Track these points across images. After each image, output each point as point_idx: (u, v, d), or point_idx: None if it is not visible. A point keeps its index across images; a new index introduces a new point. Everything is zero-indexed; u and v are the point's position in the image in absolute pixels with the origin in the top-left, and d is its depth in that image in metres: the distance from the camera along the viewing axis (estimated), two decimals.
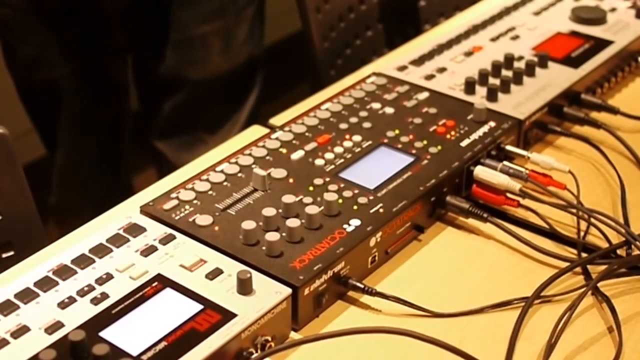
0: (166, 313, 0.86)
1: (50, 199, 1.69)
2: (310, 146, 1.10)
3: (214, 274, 0.90)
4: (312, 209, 0.97)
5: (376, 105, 1.19)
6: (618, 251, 1.01)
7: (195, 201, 1.01)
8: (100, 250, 0.93)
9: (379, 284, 0.98)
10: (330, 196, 0.99)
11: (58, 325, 0.84)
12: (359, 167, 1.07)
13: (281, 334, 0.90)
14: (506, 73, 1.25)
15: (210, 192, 1.02)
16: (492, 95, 1.20)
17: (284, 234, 0.95)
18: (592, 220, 1.04)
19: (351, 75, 1.36)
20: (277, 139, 1.12)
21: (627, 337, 0.91)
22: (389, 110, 1.18)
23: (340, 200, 1.01)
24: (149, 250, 0.93)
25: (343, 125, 1.14)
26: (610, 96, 1.33)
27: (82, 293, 0.88)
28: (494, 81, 1.23)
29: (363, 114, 1.17)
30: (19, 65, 1.53)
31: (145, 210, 1.00)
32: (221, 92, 1.68)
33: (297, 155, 1.08)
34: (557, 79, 1.26)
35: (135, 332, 0.84)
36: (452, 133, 1.14)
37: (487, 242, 1.05)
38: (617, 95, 1.35)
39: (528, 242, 1.02)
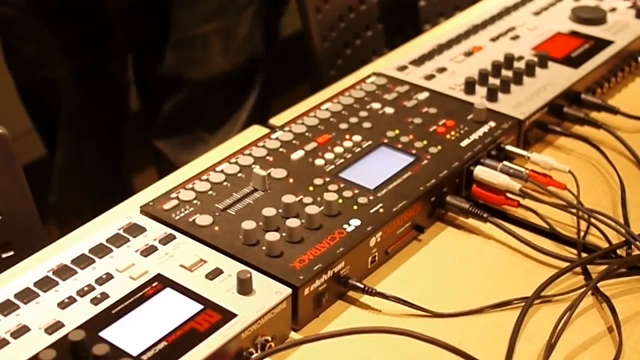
0: (166, 313, 0.86)
1: (50, 199, 1.69)
2: (310, 146, 1.10)
3: (214, 274, 0.90)
4: (312, 209, 0.97)
5: (376, 105, 1.19)
6: (618, 251, 1.01)
7: (195, 201, 1.01)
8: (100, 250, 0.93)
9: (379, 284, 0.98)
10: (330, 196, 0.99)
11: (58, 325, 0.84)
12: (359, 167, 1.07)
13: (281, 334, 0.90)
14: (506, 73, 1.25)
15: (210, 192, 1.02)
16: (492, 95, 1.20)
17: (284, 234, 0.95)
18: (592, 220, 1.04)
19: (351, 75, 1.36)
20: (277, 139, 1.12)
21: (627, 337, 0.91)
22: (389, 110, 1.18)
23: (340, 200, 1.01)
24: (149, 250, 0.93)
25: (343, 125, 1.14)
26: (610, 96, 1.33)
27: (82, 293, 0.88)
28: (494, 81, 1.23)
29: (363, 114, 1.17)
30: (19, 65, 1.53)
31: (145, 210, 1.00)
32: (221, 92, 1.68)
33: (297, 155, 1.08)
34: (557, 79, 1.26)
35: (135, 332, 0.84)
36: (452, 133, 1.14)
37: (487, 242, 1.05)
38: (617, 95, 1.35)
39: (528, 242, 1.02)
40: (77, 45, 1.25)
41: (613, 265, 0.98)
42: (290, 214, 0.98)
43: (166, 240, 0.95)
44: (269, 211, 0.97)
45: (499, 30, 1.39)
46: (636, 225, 1.06)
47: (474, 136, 1.13)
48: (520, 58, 1.29)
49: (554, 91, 1.23)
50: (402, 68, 1.28)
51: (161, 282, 0.89)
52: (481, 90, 1.22)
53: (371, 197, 1.02)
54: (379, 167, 1.07)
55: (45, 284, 0.88)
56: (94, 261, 0.92)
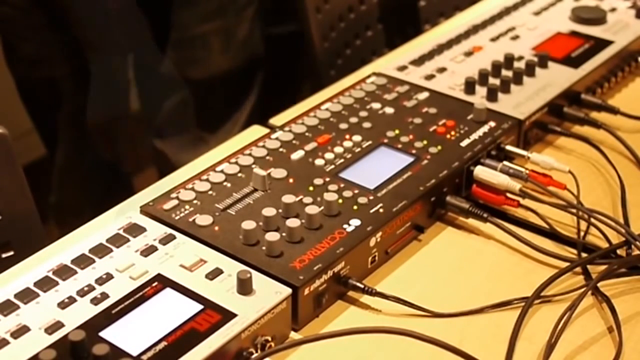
0: (166, 313, 0.86)
1: (50, 199, 1.69)
2: (310, 146, 1.10)
3: (214, 274, 0.90)
4: (312, 209, 0.97)
5: (376, 105, 1.19)
6: (618, 251, 1.01)
7: (195, 201, 1.01)
8: (100, 250, 0.93)
9: (379, 284, 0.98)
10: (330, 196, 0.99)
11: (58, 325, 0.84)
12: (359, 167, 1.07)
13: (281, 334, 0.90)
14: (506, 73, 1.25)
15: (210, 192, 1.02)
16: (492, 95, 1.20)
17: (284, 234, 0.95)
18: (592, 220, 1.04)
19: (351, 75, 1.36)
20: (277, 139, 1.12)
21: (627, 337, 0.91)
22: (389, 110, 1.18)
23: (340, 200, 1.01)
24: (149, 250, 0.93)
25: (343, 125, 1.14)
26: (610, 96, 1.33)
27: (82, 293, 0.88)
28: (494, 81, 1.23)
29: (363, 114, 1.17)
30: (19, 64, 1.53)
31: (145, 210, 1.00)
32: (221, 92, 1.68)
33: (297, 155, 1.08)
34: (557, 79, 1.26)
35: (135, 332, 0.84)
36: (452, 133, 1.14)
37: (487, 242, 1.05)
38: (617, 95, 1.35)
39: (528, 242, 1.02)
40: (78, 44, 1.25)
41: (613, 265, 0.98)
42: (290, 214, 0.98)
43: (166, 240, 0.95)
44: (269, 211, 0.97)
45: (499, 30, 1.39)
46: (636, 225, 1.06)
47: (474, 136, 1.13)
48: (520, 58, 1.29)
49: (554, 91, 1.23)
50: (402, 68, 1.28)
51: (161, 282, 0.89)
52: (481, 90, 1.22)
53: (371, 197, 1.02)
54: (379, 167, 1.07)
55: (45, 284, 0.88)
56: (94, 261, 0.92)
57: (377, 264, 1.00)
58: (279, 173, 1.05)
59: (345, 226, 0.97)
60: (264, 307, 0.86)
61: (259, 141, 1.11)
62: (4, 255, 1.14)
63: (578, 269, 1.00)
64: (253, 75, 1.73)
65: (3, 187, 1.14)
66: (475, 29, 1.39)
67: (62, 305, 0.86)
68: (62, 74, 1.49)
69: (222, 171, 1.06)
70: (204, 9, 1.57)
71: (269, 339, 0.86)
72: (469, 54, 1.32)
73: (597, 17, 1.41)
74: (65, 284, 0.89)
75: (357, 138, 1.12)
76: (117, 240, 0.94)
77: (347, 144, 1.11)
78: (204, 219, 0.98)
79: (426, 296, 0.96)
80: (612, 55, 1.32)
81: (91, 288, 0.88)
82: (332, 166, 1.07)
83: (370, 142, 1.11)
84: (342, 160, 1.08)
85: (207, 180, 1.04)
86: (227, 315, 0.85)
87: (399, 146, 1.11)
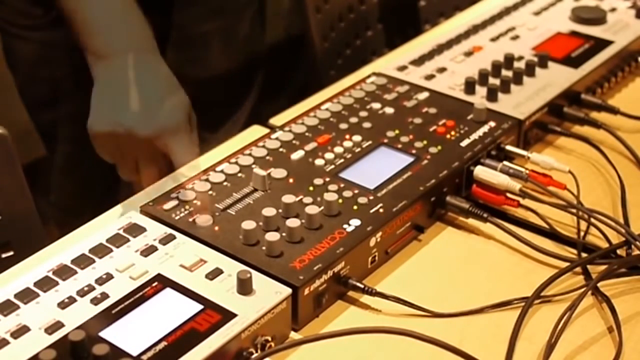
0: (166, 313, 0.86)
1: (50, 199, 1.68)
2: (310, 146, 1.10)
3: (214, 274, 0.90)
4: (312, 209, 0.97)
5: (376, 105, 1.19)
6: (618, 251, 1.01)
7: (195, 201, 1.01)
8: (100, 250, 0.93)
9: (379, 284, 0.98)
10: (330, 196, 0.99)
11: (58, 325, 0.84)
12: (359, 167, 1.07)
13: (281, 334, 0.90)
14: (506, 73, 1.25)
15: (210, 192, 1.02)
16: (492, 95, 1.20)
17: (284, 234, 0.95)
18: (592, 220, 1.04)
19: (351, 75, 1.36)
20: (277, 139, 1.12)
21: (627, 337, 0.91)
22: (389, 110, 1.18)
23: (340, 200, 1.00)
24: (149, 250, 0.93)
25: (343, 125, 1.14)
26: (610, 96, 1.34)
27: (82, 293, 0.88)
28: (494, 81, 1.23)
29: (363, 114, 1.17)
30: (20, 63, 1.53)
31: (145, 210, 1.00)
32: (221, 92, 1.68)
33: (297, 155, 1.08)
34: (557, 79, 1.26)
35: (135, 332, 0.84)
36: (452, 133, 1.14)
37: (487, 242, 1.05)
38: (617, 95, 1.35)
39: (528, 242, 1.02)
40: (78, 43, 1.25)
41: (613, 265, 0.98)
42: (290, 214, 0.98)
43: (166, 240, 0.95)
44: (269, 211, 0.97)
45: (499, 30, 1.39)
46: (636, 225, 1.06)
47: (474, 136, 1.13)
48: (520, 58, 1.29)
49: (554, 91, 1.23)
50: (402, 68, 1.28)
51: (161, 282, 0.89)
52: (481, 90, 1.22)
53: (371, 197, 1.02)
54: (379, 167, 1.07)
55: (45, 284, 0.88)
56: (94, 261, 0.92)
57: (377, 264, 1.00)
58: (279, 173, 1.05)
59: (345, 226, 0.97)
60: (264, 307, 0.86)
61: (259, 141, 1.11)
62: (4, 255, 1.14)
63: (578, 269, 1.00)
64: (253, 74, 1.73)
65: (3, 187, 1.14)
66: (475, 29, 1.39)
67: (62, 305, 0.86)
68: (62, 73, 1.48)
69: (222, 171, 1.06)
70: (204, 8, 1.57)
71: (269, 339, 0.86)
72: (469, 54, 1.32)
73: (597, 17, 1.41)
74: (65, 284, 0.89)
75: (357, 138, 1.12)
76: (117, 240, 0.94)
77: (347, 144, 1.11)
78: (204, 219, 0.98)
79: (426, 296, 0.96)
80: (612, 55, 1.32)
81: (91, 288, 0.88)
82: (332, 166, 1.07)
83: (370, 142, 1.11)
84: (342, 160, 1.08)
85: (207, 180, 1.04)
86: (227, 315, 0.85)
87: (399, 146, 1.11)
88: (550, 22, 1.42)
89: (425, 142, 1.11)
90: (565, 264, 1.00)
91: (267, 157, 1.08)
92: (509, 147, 1.14)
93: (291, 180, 1.04)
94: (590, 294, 0.97)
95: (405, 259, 1.02)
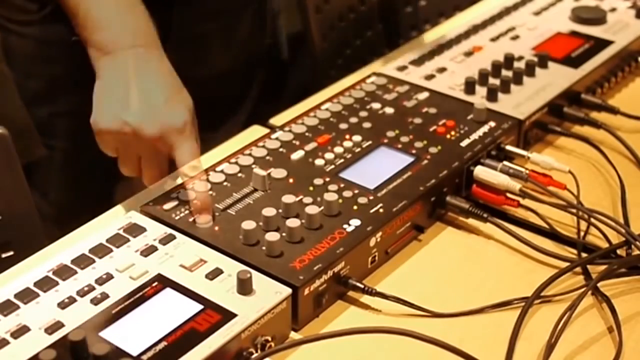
0: (166, 313, 0.86)
1: (46, 195, 1.68)
2: (310, 146, 1.10)
3: (214, 274, 0.90)
4: (312, 209, 0.97)
5: (376, 105, 1.19)
6: (618, 251, 1.01)
7: (195, 201, 1.01)
8: (100, 250, 0.93)
9: (379, 284, 0.98)
10: (330, 196, 0.99)
11: (58, 325, 0.84)
12: (359, 167, 1.07)
13: (281, 334, 0.90)
14: (506, 73, 1.25)
15: (210, 192, 1.02)
16: (492, 95, 1.20)
17: (284, 234, 0.95)
18: (592, 220, 1.04)
19: (351, 75, 1.36)
20: (277, 139, 1.12)
21: (627, 337, 0.91)
22: (389, 110, 1.18)
23: (340, 200, 1.00)
24: (149, 250, 0.93)
25: (343, 125, 1.14)
26: (610, 96, 1.34)
27: (82, 293, 0.88)
28: (494, 81, 1.23)
29: (363, 114, 1.17)
30: (16, 59, 1.52)
31: (145, 210, 1.00)
32: (222, 92, 1.68)
33: (297, 155, 1.08)
34: (557, 79, 1.26)
35: (135, 332, 0.84)
36: (452, 133, 1.14)
37: (487, 242, 1.05)
38: (617, 95, 1.35)
39: (528, 242, 1.02)
40: (77, 42, 1.24)
41: (613, 265, 0.98)
42: (290, 214, 0.98)
43: (166, 240, 0.95)
44: (269, 211, 0.97)
45: (499, 30, 1.39)
46: (636, 225, 1.06)
47: (474, 136, 1.13)
48: (520, 58, 1.29)
49: (554, 91, 1.23)
50: (402, 68, 1.28)
51: (161, 282, 0.89)
52: (481, 90, 1.22)
53: (371, 197, 1.02)
54: (379, 167, 1.07)
55: (45, 284, 0.88)
56: (94, 261, 0.92)
57: (377, 264, 1.00)
58: (279, 173, 1.05)
59: (345, 226, 0.97)
60: (264, 307, 0.86)
61: (259, 141, 1.11)
62: (4, 255, 1.14)
63: (578, 269, 1.00)
64: (254, 74, 1.73)
65: (3, 187, 1.14)
66: (475, 29, 1.39)
67: (62, 305, 0.86)
68: (57, 69, 1.48)
69: (222, 171, 1.06)
70: (205, 7, 1.57)
71: (269, 339, 0.86)
72: (469, 54, 1.32)
73: (597, 17, 1.41)
74: (65, 284, 0.89)
75: (357, 138, 1.12)
76: (117, 240, 0.94)
77: (347, 144, 1.11)
78: (204, 219, 0.98)
79: (426, 296, 0.96)
80: (612, 55, 1.33)
81: (91, 288, 0.88)
82: (332, 166, 1.07)
83: (370, 142, 1.11)
84: (342, 160, 1.08)
85: (207, 180, 1.04)
86: (227, 315, 0.85)
87: (399, 146, 1.11)
88: (550, 22, 1.42)
89: (425, 142, 1.11)
90: (565, 264, 1.00)
91: (267, 157, 1.08)
92: (509, 147, 1.14)
93: (291, 180, 1.04)
94: (590, 294, 0.97)
95: (405, 259, 1.02)
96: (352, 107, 1.19)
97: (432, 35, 1.42)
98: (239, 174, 1.05)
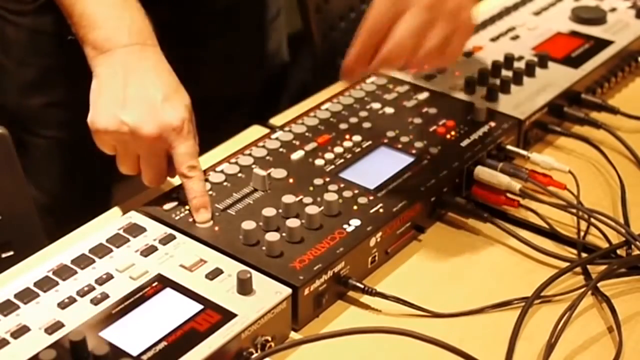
0: (166, 313, 0.86)
1: (49, 199, 1.68)
2: (310, 146, 1.10)
3: (214, 274, 0.90)
4: (312, 209, 0.97)
5: (376, 105, 1.19)
6: (618, 251, 1.01)
7: (193, 199, 1.00)
8: (100, 250, 0.93)
9: (379, 284, 0.98)
10: (330, 196, 0.99)
11: (58, 325, 0.84)
12: (359, 167, 1.07)
13: (281, 334, 0.90)
14: (506, 73, 1.25)
15: (210, 192, 1.02)
16: (492, 95, 1.20)
17: (284, 234, 0.95)
18: (592, 220, 1.04)
19: None
20: (277, 139, 1.12)
21: (627, 337, 0.91)
22: (389, 110, 1.18)
23: (340, 200, 1.00)
24: (149, 250, 0.93)
25: (343, 125, 1.14)
26: (610, 96, 1.34)
27: (82, 293, 0.88)
28: (494, 81, 1.23)
29: (363, 114, 1.17)
30: (11, 49, 1.52)
31: (145, 210, 1.00)
32: (222, 91, 1.68)
33: (297, 155, 1.08)
34: (557, 79, 1.26)
35: (135, 332, 0.84)
36: (452, 133, 1.14)
37: (487, 242, 1.05)
38: (617, 95, 1.35)
39: (528, 242, 1.02)
40: (73, 42, 1.24)
41: (613, 265, 0.98)
42: (290, 214, 0.98)
43: (166, 240, 0.95)
44: (269, 211, 0.97)
45: (499, 30, 1.39)
46: (636, 225, 1.06)
47: (474, 136, 1.13)
48: (520, 58, 1.29)
49: (554, 91, 1.23)
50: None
51: (161, 282, 0.89)
52: (481, 90, 1.22)
53: (371, 197, 1.02)
54: (379, 167, 1.07)
55: (45, 284, 0.88)
56: (94, 261, 0.92)
57: (377, 264, 1.00)
58: (279, 173, 1.05)
59: (345, 226, 0.97)
60: (264, 307, 0.86)
61: (259, 141, 1.11)
62: (4, 255, 1.14)
63: (578, 269, 1.00)
64: (254, 74, 1.72)
65: (3, 187, 1.14)
66: (475, 29, 1.39)
67: (62, 305, 0.86)
68: (51, 60, 1.47)
69: (222, 171, 1.06)
70: (205, 8, 1.57)
71: (269, 339, 0.86)
72: (469, 54, 1.32)
73: (597, 17, 1.41)
74: (65, 284, 0.89)
75: (357, 138, 1.12)
76: (117, 240, 0.94)
77: (347, 144, 1.11)
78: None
79: (426, 296, 0.96)
80: (612, 55, 1.33)
81: (91, 288, 0.88)
82: (332, 166, 1.07)
83: (370, 142, 1.11)
84: (342, 160, 1.08)
85: (207, 180, 1.04)
86: (227, 315, 0.85)
87: (399, 146, 1.11)
88: (550, 22, 1.42)
89: (425, 142, 1.11)
90: (565, 264, 1.00)
91: (267, 157, 1.08)
92: (509, 147, 1.14)
93: (291, 180, 1.04)
94: (590, 294, 0.97)
95: (405, 259, 1.02)
96: (352, 107, 1.19)
97: None
98: (239, 174, 1.05)
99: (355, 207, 1.00)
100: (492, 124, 1.15)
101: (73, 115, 1.13)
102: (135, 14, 1.07)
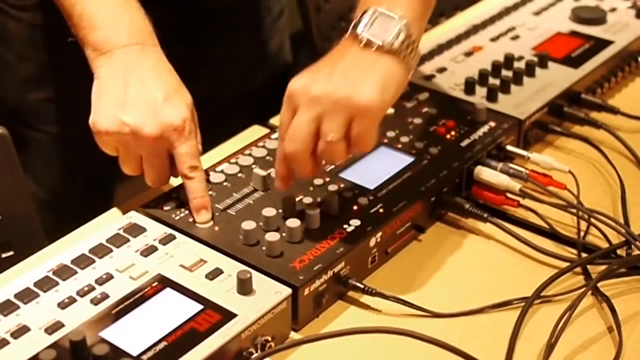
0: (166, 313, 0.86)
1: (48, 198, 1.68)
2: None
3: (214, 274, 0.90)
4: (312, 209, 0.97)
5: None
6: (618, 251, 1.01)
7: (194, 199, 1.00)
8: (100, 250, 0.93)
9: (379, 284, 0.98)
10: (330, 196, 0.99)
11: (58, 325, 0.84)
12: (359, 167, 1.07)
13: (281, 334, 0.90)
14: (506, 73, 1.25)
15: (210, 192, 1.02)
16: (492, 95, 1.20)
17: (284, 234, 0.95)
18: (592, 220, 1.04)
19: None
20: (277, 139, 1.11)
21: (627, 337, 0.91)
22: (389, 110, 1.18)
23: (340, 200, 1.00)
24: (149, 250, 0.93)
25: None
26: (610, 96, 1.34)
27: (82, 293, 0.88)
28: (494, 81, 1.23)
29: None
30: (12, 44, 1.52)
31: (145, 210, 1.00)
32: (222, 91, 1.68)
33: None
34: (557, 79, 1.26)
35: (135, 332, 0.84)
36: (452, 133, 1.14)
37: (487, 242, 1.05)
38: (617, 95, 1.35)
39: (528, 242, 1.02)
40: (73, 44, 1.24)
41: (613, 265, 0.98)
42: (290, 214, 0.98)
43: (166, 240, 0.95)
44: (269, 211, 0.97)
45: (499, 30, 1.39)
46: (636, 225, 1.06)
47: (474, 136, 1.13)
48: (520, 58, 1.29)
49: (554, 91, 1.23)
50: None
51: (161, 282, 0.89)
52: (481, 90, 1.22)
53: (371, 197, 1.02)
54: (379, 167, 1.07)
55: (45, 284, 0.88)
56: (94, 261, 0.92)
57: (377, 264, 1.00)
58: None
59: (345, 226, 0.97)
60: (264, 307, 0.86)
61: (259, 141, 1.11)
62: (4, 255, 1.14)
63: (578, 269, 1.00)
64: (254, 74, 1.72)
65: (3, 187, 1.14)
66: (475, 29, 1.39)
67: (62, 305, 0.86)
68: (54, 59, 1.47)
69: (222, 171, 1.06)
70: (205, 7, 1.56)
71: (269, 339, 0.86)
72: (469, 54, 1.32)
73: (597, 17, 1.41)
74: (65, 284, 0.89)
75: None
76: (117, 240, 0.94)
77: None
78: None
79: (426, 296, 0.96)
80: (612, 55, 1.33)
81: (91, 288, 0.88)
82: (332, 166, 1.07)
83: None
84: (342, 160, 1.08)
85: (208, 180, 1.04)
86: (227, 315, 0.85)
87: (399, 146, 1.11)
88: (550, 22, 1.42)
89: (425, 142, 1.11)
90: (565, 264, 1.00)
91: (267, 157, 1.08)
92: (509, 147, 1.14)
93: (291, 181, 1.04)
94: (590, 294, 0.97)
95: (405, 259, 1.02)
96: None
97: (432, 35, 1.42)
98: (239, 174, 1.05)
99: (355, 207, 1.00)
100: (492, 124, 1.15)
101: (73, 112, 1.13)
102: (135, 14, 1.07)
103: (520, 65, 1.27)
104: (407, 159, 1.08)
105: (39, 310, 0.86)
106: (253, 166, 1.06)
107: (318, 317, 0.94)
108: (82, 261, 0.91)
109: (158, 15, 1.12)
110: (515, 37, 1.37)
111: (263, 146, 1.10)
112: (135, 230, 0.96)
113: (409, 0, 0.97)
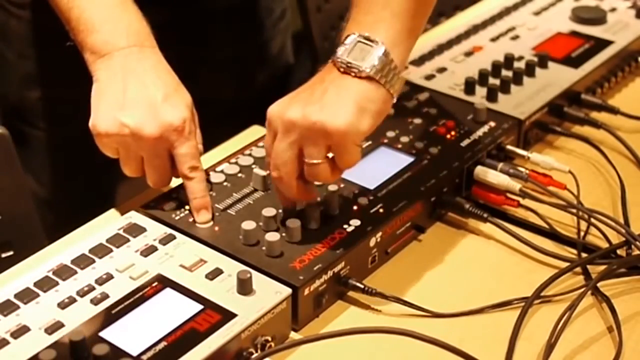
0: (166, 313, 0.86)
1: (48, 197, 1.68)
2: None
3: (214, 274, 0.90)
4: (312, 209, 0.97)
5: None
6: (618, 251, 1.01)
7: (194, 199, 1.00)
8: (100, 250, 0.93)
9: (379, 284, 0.98)
10: (330, 196, 0.99)
11: (58, 325, 0.84)
12: (359, 167, 1.06)
13: (281, 334, 0.90)
14: (506, 73, 1.25)
15: (210, 192, 1.02)
16: (492, 95, 1.20)
17: (284, 234, 0.95)
18: (592, 220, 1.04)
19: None
20: None
21: (627, 337, 0.91)
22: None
23: (340, 200, 1.00)
24: (149, 250, 0.93)
25: None
26: (610, 96, 1.34)
27: (82, 293, 0.88)
28: (494, 81, 1.23)
29: None
30: (12, 41, 1.52)
31: (145, 210, 1.00)
32: (222, 91, 1.68)
33: None
34: (557, 79, 1.26)
35: (135, 332, 0.84)
36: (452, 133, 1.14)
37: (487, 242, 1.05)
38: (617, 95, 1.35)
39: (528, 242, 1.02)
40: (72, 48, 1.24)
41: (613, 265, 0.98)
42: (290, 214, 0.98)
43: (166, 240, 0.95)
44: (269, 211, 0.97)
45: (499, 30, 1.39)
46: (636, 225, 1.06)
47: (474, 136, 1.13)
48: (520, 58, 1.29)
49: (554, 91, 1.23)
50: None
51: (161, 282, 0.89)
52: (481, 90, 1.22)
53: (371, 197, 1.02)
54: (379, 167, 1.07)
55: (45, 284, 0.88)
56: (94, 261, 0.92)
57: (377, 264, 1.00)
58: None
59: (345, 226, 0.97)
60: (264, 307, 0.86)
61: (259, 141, 1.11)
62: (4, 255, 1.14)
63: (578, 269, 1.00)
64: (254, 74, 1.72)
65: (3, 187, 1.14)
66: (475, 29, 1.39)
67: (62, 305, 0.86)
68: (53, 57, 1.47)
69: (222, 171, 1.06)
70: (205, 7, 1.56)
71: (269, 339, 0.86)
72: (469, 54, 1.32)
73: (597, 17, 1.41)
74: (65, 284, 0.89)
75: None
76: (117, 240, 0.94)
77: None
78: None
79: (426, 296, 0.96)
80: (612, 55, 1.33)
81: (91, 288, 0.88)
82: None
83: (370, 142, 1.11)
84: None
85: (208, 180, 1.04)
86: (227, 315, 0.85)
87: (399, 146, 1.11)
88: (550, 22, 1.42)
89: (425, 142, 1.11)
90: (565, 264, 1.00)
91: (267, 157, 1.08)
92: (509, 147, 1.14)
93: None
94: (590, 294, 0.97)
95: (405, 259, 1.02)
96: None
97: (432, 35, 1.42)
98: (239, 174, 1.05)
99: (355, 207, 1.00)
100: (492, 124, 1.15)
101: (73, 111, 1.13)
102: (133, 16, 1.07)
103: (520, 65, 1.27)
104: (407, 159, 1.09)
105: (39, 310, 0.86)
106: (253, 166, 1.06)
107: (318, 317, 0.94)
108: (82, 261, 0.91)
109: (158, 16, 1.12)
110: (515, 37, 1.37)
111: (263, 146, 1.10)
112: (135, 230, 0.96)
113: (392, 24, 0.96)
